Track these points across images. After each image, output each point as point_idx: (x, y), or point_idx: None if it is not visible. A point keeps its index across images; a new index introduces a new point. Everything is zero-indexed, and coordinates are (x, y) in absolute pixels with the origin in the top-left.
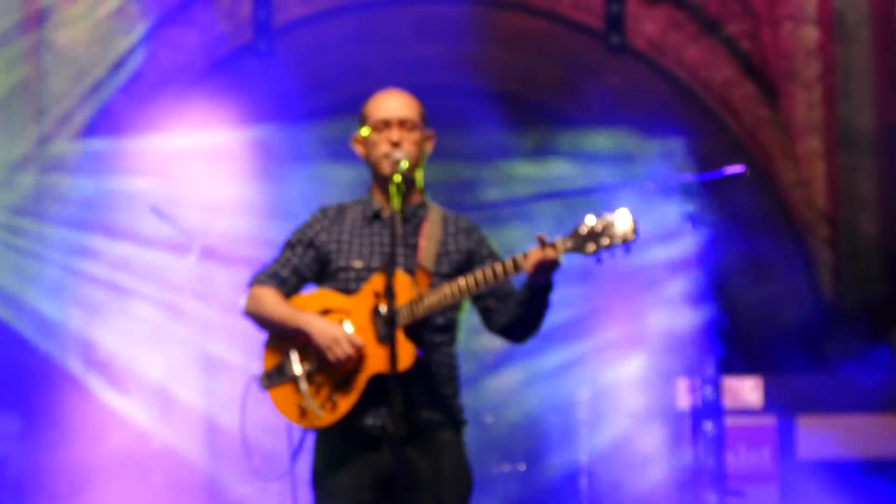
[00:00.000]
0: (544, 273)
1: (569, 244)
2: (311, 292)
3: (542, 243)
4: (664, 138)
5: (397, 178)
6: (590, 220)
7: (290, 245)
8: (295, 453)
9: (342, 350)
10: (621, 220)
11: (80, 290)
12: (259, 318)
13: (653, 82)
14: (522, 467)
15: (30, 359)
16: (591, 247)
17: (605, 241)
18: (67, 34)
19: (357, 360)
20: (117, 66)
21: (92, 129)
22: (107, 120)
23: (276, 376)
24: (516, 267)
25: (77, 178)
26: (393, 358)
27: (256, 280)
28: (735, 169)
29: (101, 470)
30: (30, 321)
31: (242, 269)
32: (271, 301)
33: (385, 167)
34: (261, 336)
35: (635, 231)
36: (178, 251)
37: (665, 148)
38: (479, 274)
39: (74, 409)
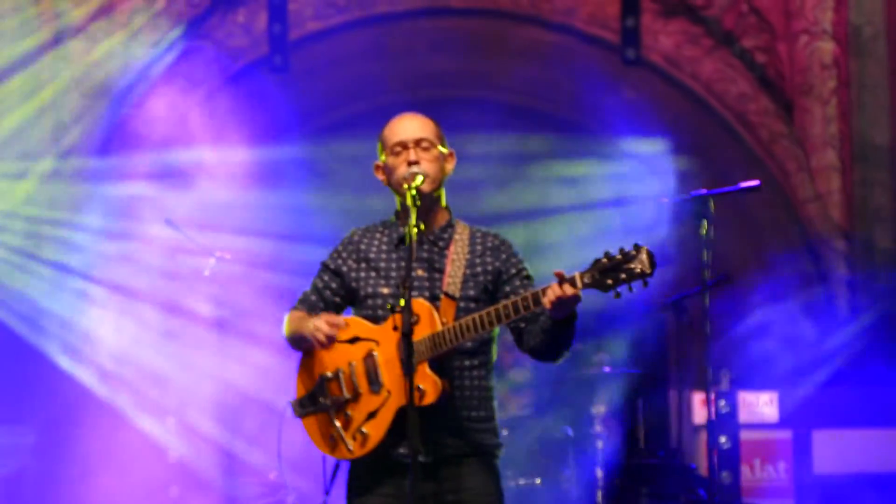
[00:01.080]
0: (564, 308)
1: (587, 279)
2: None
3: (561, 279)
4: (678, 152)
5: (413, 190)
6: (607, 255)
7: (321, 270)
8: (329, 483)
9: (321, 335)
10: (638, 255)
11: (99, 304)
12: (288, 339)
13: (668, 96)
14: (538, 481)
15: (45, 373)
16: (609, 282)
17: (623, 276)
18: (86, 50)
19: (383, 392)
20: (134, 80)
21: (110, 143)
22: (124, 134)
23: (308, 405)
24: (536, 302)
25: (96, 192)
26: (410, 393)
27: (293, 307)
28: (750, 183)
29: (115, 483)
30: (46, 335)
31: (255, 282)
32: (291, 320)
33: (405, 189)
34: (282, 362)
35: (653, 265)
36: (193, 266)
37: (679, 162)
38: (502, 308)
39: (89, 423)
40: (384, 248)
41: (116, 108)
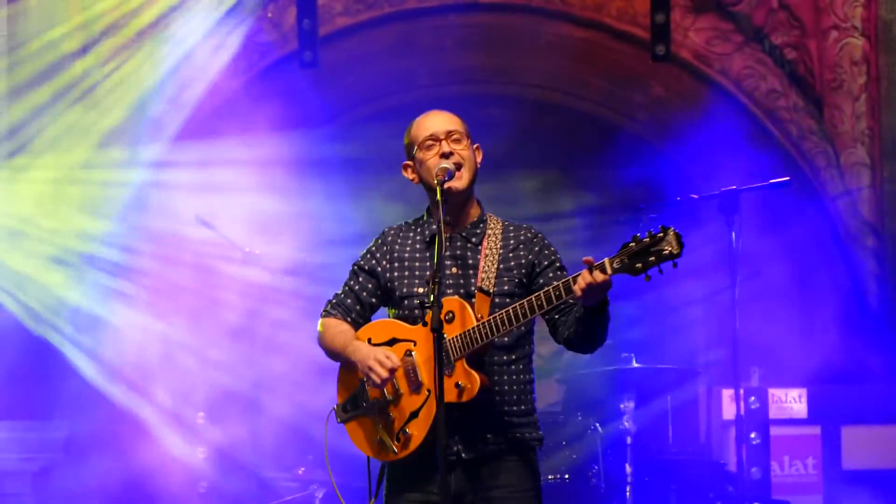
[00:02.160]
0: (595, 295)
1: (616, 265)
2: (380, 321)
3: (591, 266)
4: (707, 149)
5: (442, 186)
6: (635, 240)
7: (354, 272)
8: (374, 485)
9: (376, 376)
10: (666, 237)
11: (127, 301)
12: (325, 350)
13: (697, 92)
14: (567, 477)
15: (74, 369)
16: (638, 266)
17: (652, 259)
18: (112, 45)
19: (424, 391)
20: (166, 76)
21: (142, 138)
22: (155, 129)
23: (350, 409)
24: (567, 291)
25: (129, 187)
26: (440, 390)
27: (325, 311)
28: (780, 179)
29: (142, 480)
30: (76, 331)
31: (286, 280)
32: (332, 332)
33: (436, 184)
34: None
35: (680, 245)
36: (223, 262)
37: (708, 159)
38: (534, 299)
39: (118, 420)
40: (417, 246)
41: (150, 104)
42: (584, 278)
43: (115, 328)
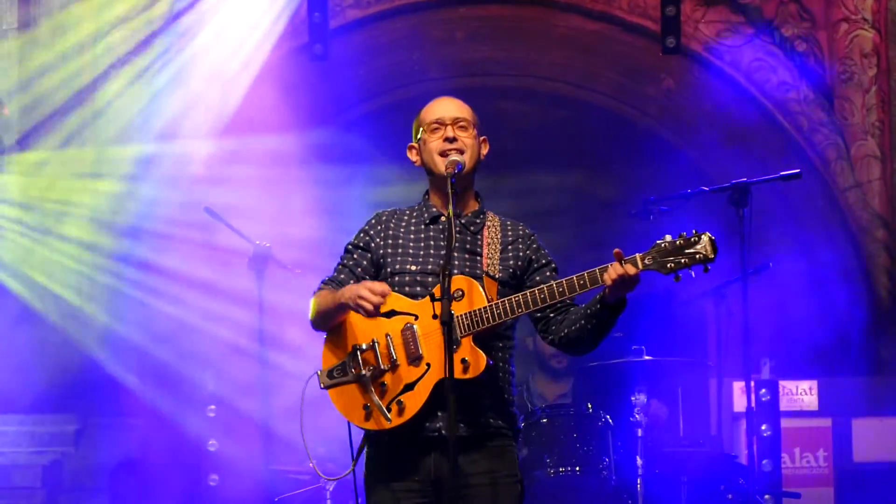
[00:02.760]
0: (622, 289)
1: (647, 261)
2: None
3: (620, 259)
4: (717, 141)
5: (450, 161)
6: (669, 238)
7: (348, 250)
8: (355, 454)
9: (367, 302)
10: (700, 241)
11: (138, 298)
12: (318, 317)
13: (708, 85)
14: (578, 470)
15: (88, 362)
16: (669, 265)
17: (685, 260)
18: (124, 36)
19: (423, 364)
20: (173, 67)
21: (148, 131)
22: (164, 122)
23: (338, 375)
24: (594, 281)
25: (134, 184)
26: (449, 361)
27: (317, 288)
28: (790, 172)
29: (155, 471)
30: (89, 325)
31: (298, 271)
32: (323, 296)
33: (440, 165)
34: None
35: (715, 250)
36: (233, 255)
37: (718, 151)
38: (556, 285)
39: (130, 412)
40: (412, 227)
41: (164, 95)
42: (615, 269)
43: (134, 317)
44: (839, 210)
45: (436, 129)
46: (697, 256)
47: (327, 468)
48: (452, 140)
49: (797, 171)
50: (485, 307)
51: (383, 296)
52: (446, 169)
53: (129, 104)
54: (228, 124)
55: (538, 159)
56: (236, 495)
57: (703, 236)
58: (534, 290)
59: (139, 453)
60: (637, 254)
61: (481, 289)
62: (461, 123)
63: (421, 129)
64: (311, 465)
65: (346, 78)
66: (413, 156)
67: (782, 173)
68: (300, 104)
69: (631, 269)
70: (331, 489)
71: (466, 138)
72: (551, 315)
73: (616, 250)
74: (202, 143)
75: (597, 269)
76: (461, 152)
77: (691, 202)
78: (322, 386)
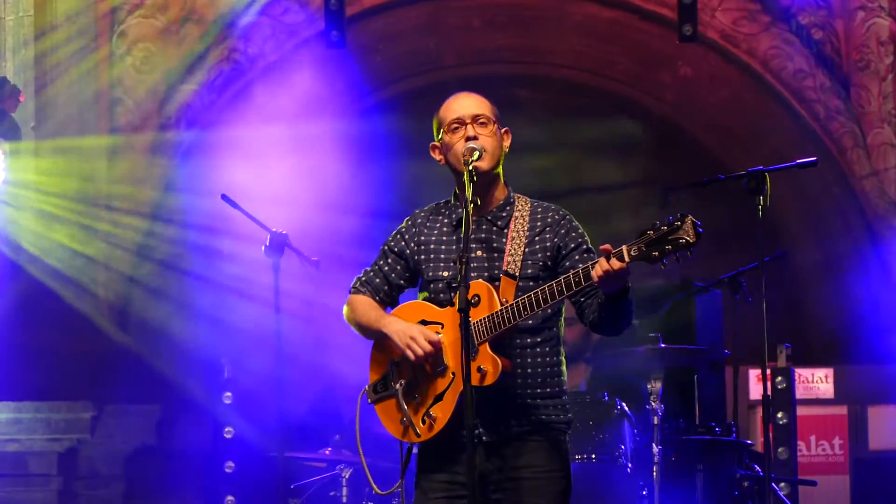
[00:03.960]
0: (614, 283)
1: (634, 252)
2: (410, 303)
3: (608, 254)
4: (734, 129)
5: (469, 166)
6: (653, 227)
7: (383, 252)
8: (405, 466)
9: (418, 348)
10: (683, 225)
11: (155, 286)
12: (354, 325)
13: (724, 73)
14: (594, 457)
15: (104, 349)
16: (655, 254)
17: (669, 247)
18: (141, 26)
19: (449, 374)
20: (189, 55)
21: (166, 121)
22: (180, 111)
23: (381, 390)
24: (586, 278)
25: (152, 170)
26: (466, 370)
27: (354, 287)
28: (807, 159)
29: (171, 459)
30: (104, 312)
31: (315, 258)
32: (362, 308)
33: (463, 164)
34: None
35: (697, 235)
36: (250, 242)
37: (735, 139)
38: (555, 285)
39: (146, 399)
40: (444, 230)
41: (176, 84)
42: (601, 266)
43: (152, 304)
44: (855, 198)
45: (456, 128)
46: (681, 242)
47: (343, 455)
48: (474, 139)
49: (813, 158)
50: (497, 311)
51: (434, 346)
52: (463, 157)
53: (140, 91)
54: (245, 110)
55: (553, 147)
56: (252, 483)
57: (685, 220)
58: (536, 291)
59: (155, 440)
60: (623, 246)
61: (495, 293)
62: (481, 120)
63: (442, 128)
64: (369, 481)
65: (363, 65)
66: (437, 155)
67: (798, 161)
68: (316, 91)
69: (616, 264)
70: (346, 476)
71: (487, 136)
72: (582, 300)
73: (603, 246)
74: (218, 128)
75: (589, 263)
76: (483, 150)
77: (707, 190)
78: (369, 401)
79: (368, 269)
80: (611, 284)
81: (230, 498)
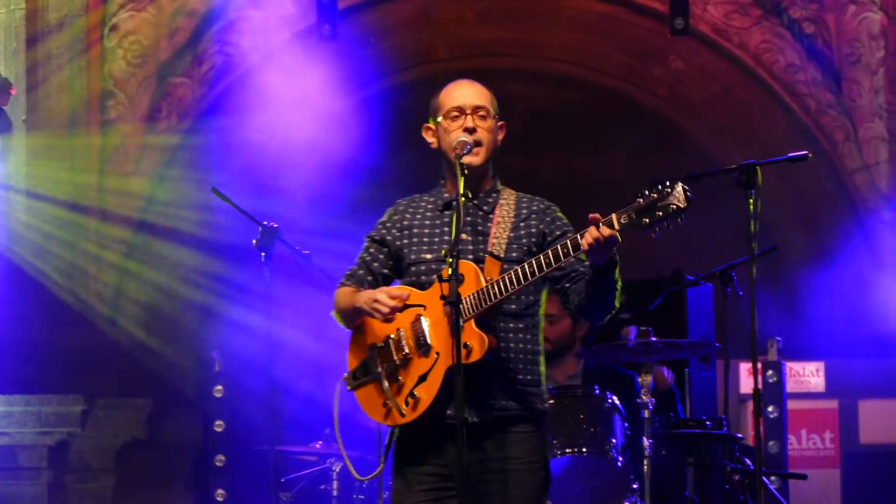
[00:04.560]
0: (603, 251)
1: (623, 220)
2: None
3: (598, 222)
4: (725, 123)
5: (461, 160)
6: (642, 195)
7: (366, 244)
8: (385, 453)
9: (382, 306)
10: (672, 191)
11: (147, 278)
12: (339, 316)
13: (716, 66)
14: (585, 451)
15: (95, 343)
16: (646, 220)
17: (659, 213)
18: (131, 17)
19: (433, 354)
20: (181, 49)
21: (157, 114)
22: (172, 104)
23: (361, 376)
24: (575, 248)
25: (144, 163)
26: (457, 347)
27: (340, 283)
28: (798, 153)
29: (161, 452)
30: (95, 305)
31: (306, 251)
32: (342, 297)
33: (454, 158)
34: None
35: (688, 200)
36: (241, 235)
37: (726, 133)
38: (542, 257)
39: (135, 393)
40: (428, 214)
41: (168, 78)
42: (591, 234)
43: (142, 297)
44: (846, 192)
45: (456, 116)
46: (671, 208)
47: (334, 449)
48: (472, 131)
49: (805, 152)
50: (479, 289)
51: (399, 299)
52: (454, 150)
53: (130, 84)
54: (236, 103)
55: (546, 141)
56: (243, 476)
57: (676, 186)
58: (523, 265)
59: (146, 434)
60: (613, 214)
61: (480, 273)
62: (481, 112)
63: (440, 112)
64: (347, 466)
65: (355, 59)
66: (430, 137)
67: (790, 155)
68: (308, 85)
69: (606, 231)
70: (337, 470)
71: (484, 130)
72: (567, 285)
73: (592, 214)
74: (210, 121)
75: (578, 234)
76: (478, 144)
77: (698, 184)
78: (349, 388)
79: (354, 265)
80: (600, 254)
81: (221, 491)
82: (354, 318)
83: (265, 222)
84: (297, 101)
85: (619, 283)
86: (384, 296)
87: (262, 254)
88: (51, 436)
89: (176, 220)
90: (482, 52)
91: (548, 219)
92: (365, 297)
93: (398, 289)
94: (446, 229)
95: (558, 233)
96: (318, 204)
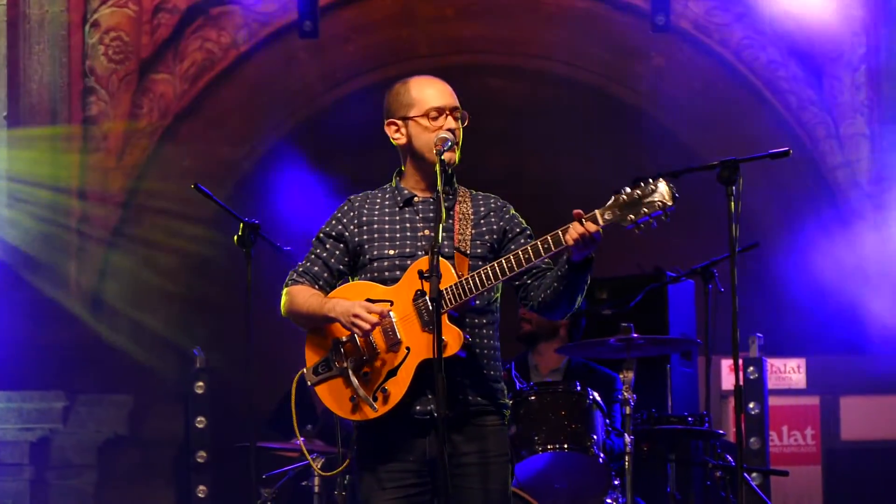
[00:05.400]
0: (585, 247)
1: (608, 216)
2: (348, 284)
3: (581, 218)
4: (706, 119)
5: (442, 156)
6: (627, 190)
7: (319, 240)
8: (351, 446)
9: (363, 322)
10: (658, 188)
11: (129, 271)
12: (294, 316)
13: (697, 63)
14: (566, 447)
15: (76, 338)
16: (630, 217)
17: (644, 210)
18: (112, 13)
19: (402, 349)
20: (162, 45)
21: (139, 110)
22: (153, 100)
23: (323, 371)
24: (557, 243)
25: (125, 159)
26: (438, 339)
27: (290, 280)
28: (779, 150)
29: (143, 448)
30: (76, 301)
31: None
32: (302, 296)
33: (436, 154)
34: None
35: (673, 197)
36: (223, 231)
37: (707, 129)
38: (521, 252)
39: (117, 389)
40: (387, 210)
41: (149, 74)
42: (575, 229)
43: (124, 292)
44: (827, 188)
45: (435, 117)
46: (657, 205)
47: (315, 445)
48: (452, 132)
49: (786, 149)
50: (455, 283)
51: (380, 315)
52: (435, 146)
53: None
54: (217, 99)
55: (526, 138)
56: (224, 472)
57: (659, 183)
58: (500, 260)
59: (127, 430)
60: (597, 210)
61: (451, 267)
62: (457, 114)
63: (413, 109)
64: (309, 461)
65: (336, 55)
66: (395, 132)
67: (771, 151)
68: (289, 81)
69: (591, 227)
70: (318, 466)
71: (459, 131)
72: (528, 281)
73: (576, 210)
74: (189, 118)
75: (559, 230)
76: (457, 144)
77: (679, 180)
78: (309, 384)
79: (303, 262)
80: (583, 249)
81: (202, 488)
82: (318, 323)
83: (246, 218)
84: (276, 96)
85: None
86: (363, 311)
87: (244, 250)
88: (32, 432)
89: (157, 217)
90: (463, 49)
91: (506, 216)
92: (340, 309)
93: (378, 305)
94: (408, 225)
95: (518, 230)
96: (299, 197)
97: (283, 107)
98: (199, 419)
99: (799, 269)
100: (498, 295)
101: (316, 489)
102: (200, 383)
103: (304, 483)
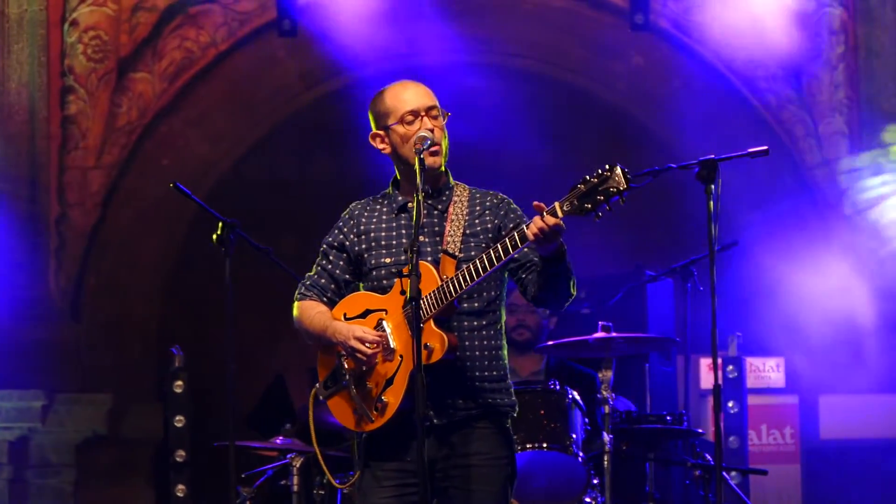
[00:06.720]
0: (549, 241)
1: (566, 207)
2: (353, 294)
3: (542, 212)
4: (685, 118)
5: (421, 154)
6: (583, 181)
7: (324, 251)
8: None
9: (363, 356)
10: (613, 175)
11: (109, 271)
12: (302, 334)
13: (676, 62)
14: (545, 446)
15: (56, 338)
16: (588, 206)
17: (600, 198)
18: (91, 12)
19: (397, 357)
20: (140, 44)
21: (118, 109)
22: (132, 100)
23: (331, 385)
24: (522, 239)
25: (104, 158)
26: (417, 339)
27: (299, 294)
28: (758, 148)
29: (122, 448)
30: (55, 300)
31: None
32: (310, 314)
33: (415, 152)
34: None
35: (628, 180)
36: (202, 230)
37: (686, 128)
38: (492, 251)
39: (96, 388)
40: (384, 218)
41: (128, 73)
42: (535, 224)
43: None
44: (806, 187)
45: (411, 121)
46: (612, 190)
47: (294, 444)
48: (430, 132)
49: (765, 147)
50: (439, 286)
51: (376, 345)
52: (415, 146)
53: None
54: (196, 98)
55: (504, 137)
56: (202, 472)
57: (614, 169)
58: (475, 261)
59: (106, 429)
60: (556, 202)
61: (435, 271)
62: (433, 112)
63: (390, 118)
64: (327, 477)
65: (315, 54)
66: (381, 144)
67: (750, 150)
68: (267, 80)
69: (550, 220)
70: (298, 465)
71: (439, 129)
72: (523, 276)
73: (535, 203)
74: (170, 117)
75: (524, 225)
76: (436, 145)
77: (658, 179)
78: (321, 398)
79: (310, 273)
80: (547, 243)
81: (181, 487)
82: (323, 342)
83: (225, 218)
84: (255, 95)
85: (571, 270)
86: (359, 344)
87: (223, 248)
88: (11, 431)
89: (137, 215)
90: (441, 48)
91: (502, 212)
92: (341, 335)
93: (371, 334)
94: (403, 232)
95: (511, 226)
96: (277, 195)
97: (262, 105)
98: (178, 418)
99: (778, 268)
100: (498, 294)
101: (295, 488)
102: (179, 382)
103: (282, 482)
